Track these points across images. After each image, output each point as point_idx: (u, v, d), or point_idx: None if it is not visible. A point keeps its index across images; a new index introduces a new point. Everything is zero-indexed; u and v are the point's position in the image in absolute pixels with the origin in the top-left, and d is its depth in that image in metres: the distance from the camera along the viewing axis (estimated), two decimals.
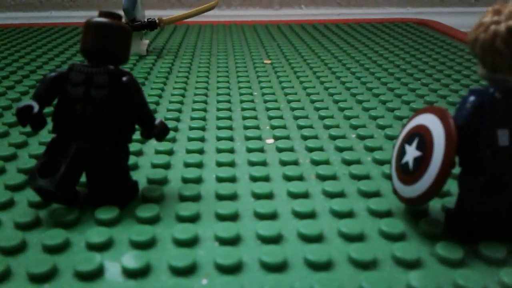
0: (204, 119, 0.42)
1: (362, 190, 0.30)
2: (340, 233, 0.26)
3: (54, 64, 0.59)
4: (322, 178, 0.32)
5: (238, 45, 0.71)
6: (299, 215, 0.28)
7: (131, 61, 0.59)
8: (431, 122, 0.26)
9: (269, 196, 0.30)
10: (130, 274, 0.23)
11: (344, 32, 0.80)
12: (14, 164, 0.34)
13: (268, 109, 0.44)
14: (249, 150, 0.36)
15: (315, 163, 0.34)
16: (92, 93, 0.27)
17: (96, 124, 0.27)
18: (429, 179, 0.25)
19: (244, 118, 0.42)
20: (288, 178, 0.32)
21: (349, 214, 0.28)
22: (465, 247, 0.25)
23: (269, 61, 0.61)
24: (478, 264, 0.24)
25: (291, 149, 0.36)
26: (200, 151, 0.36)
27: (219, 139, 0.38)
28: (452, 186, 0.30)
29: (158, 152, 0.36)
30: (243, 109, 0.44)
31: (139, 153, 0.35)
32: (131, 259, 0.24)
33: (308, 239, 0.26)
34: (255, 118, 0.42)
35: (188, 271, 0.23)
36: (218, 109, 0.44)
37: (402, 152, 0.28)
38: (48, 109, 0.29)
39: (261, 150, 0.36)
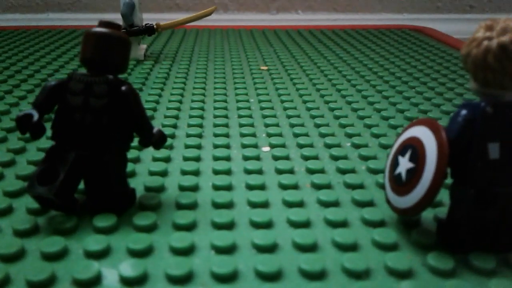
0: (201, 126, 0.43)
1: (356, 200, 0.31)
2: (334, 242, 0.27)
3: (52, 68, 0.60)
4: (317, 187, 0.33)
5: (235, 50, 0.71)
6: (294, 224, 0.28)
7: (129, 66, 0.59)
8: (424, 134, 0.26)
9: (264, 204, 0.30)
10: (127, 282, 0.24)
11: (340, 39, 0.80)
12: (12, 170, 0.34)
13: (264, 116, 0.45)
14: (246, 158, 0.36)
15: (310, 171, 0.35)
16: (91, 102, 0.28)
17: (95, 133, 0.28)
18: (422, 190, 0.25)
19: (241, 125, 0.43)
20: (284, 187, 0.32)
21: (343, 224, 0.28)
22: (456, 258, 0.25)
23: (265, 68, 0.62)
24: (468, 275, 0.25)
25: (287, 157, 0.37)
26: (197, 159, 0.36)
27: (215, 146, 0.38)
28: (444, 196, 0.31)
29: (155, 159, 0.36)
30: (239, 116, 0.45)
31: (136, 160, 0.36)
32: (129, 267, 0.24)
33: (302, 248, 0.26)
34: (252, 125, 0.43)
35: (184, 279, 0.24)
36: (215, 116, 0.45)
37: (395, 163, 0.28)
38: (47, 116, 0.29)
39: (257, 158, 0.37)
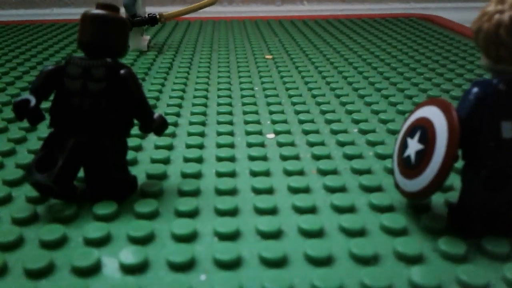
0: (204, 114, 0.42)
1: (363, 185, 0.30)
2: (341, 228, 0.26)
3: (55, 60, 0.59)
4: (323, 173, 0.32)
5: (240, 40, 0.70)
6: (300, 210, 0.27)
7: (131, 57, 0.58)
8: (434, 114, 0.25)
9: (269, 191, 0.29)
10: (128, 269, 0.23)
11: (346, 28, 0.79)
12: (12, 159, 0.34)
13: (269, 104, 0.44)
14: (250, 145, 0.36)
15: (316, 157, 0.34)
16: (89, 86, 0.27)
17: (94, 118, 0.27)
18: (432, 173, 0.24)
19: (245, 113, 0.42)
20: (289, 173, 0.32)
21: (350, 209, 0.28)
22: (468, 242, 0.24)
23: (270, 56, 0.61)
24: (481, 260, 0.24)
25: (292, 144, 0.36)
26: (200, 146, 0.35)
27: (219, 134, 0.38)
28: (455, 180, 0.30)
29: (157, 147, 0.35)
30: (243, 104, 0.44)
31: (138, 148, 0.35)
32: (129, 255, 0.24)
33: (308, 234, 0.25)
34: (256, 113, 0.42)
35: (186, 266, 0.23)
36: (219, 104, 0.44)
37: (404, 146, 0.27)
38: (46, 104, 0.29)
39: (262, 145, 0.36)
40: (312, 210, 0.28)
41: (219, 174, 0.31)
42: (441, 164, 0.24)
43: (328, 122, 0.40)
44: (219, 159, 0.33)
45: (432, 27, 0.80)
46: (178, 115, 0.42)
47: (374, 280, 0.22)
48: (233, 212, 0.27)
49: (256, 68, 0.56)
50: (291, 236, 0.25)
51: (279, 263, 0.23)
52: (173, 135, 0.37)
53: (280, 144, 0.36)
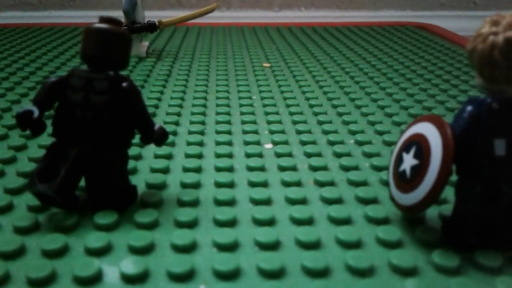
0: (203, 123, 0.42)
1: (359, 197, 0.31)
2: (337, 240, 0.26)
3: (54, 65, 0.59)
4: (320, 184, 0.32)
5: (238, 47, 0.71)
6: (297, 222, 0.28)
7: (130, 63, 0.59)
8: (429, 131, 0.26)
9: (267, 202, 0.30)
10: (128, 279, 0.23)
11: (343, 36, 0.80)
12: (13, 167, 0.34)
13: (267, 113, 0.44)
14: (248, 155, 0.36)
15: (313, 168, 0.34)
16: (92, 99, 0.28)
17: (96, 130, 0.28)
18: (426, 187, 0.25)
19: (243, 122, 0.42)
20: (287, 184, 0.32)
21: (346, 221, 0.28)
22: (461, 255, 0.25)
23: (268, 65, 0.61)
24: (474, 273, 0.24)
25: (290, 155, 0.36)
26: (199, 156, 0.36)
27: (218, 143, 0.38)
28: (449, 193, 0.30)
29: (157, 156, 0.36)
30: (242, 113, 0.44)
31: (138, 157, 0.36)
32: (130, 265, 0.24)
33: (305, 245, 0.26)
34: (254, 122, 0.42)
35: (186, 277, 0.24)
36: (217, 113, 0.44)
37: (399, 160, 0.28)
38: (48, 112, 0.29)
39: (260, 155, 0.36)
40: (309, 221, 0.28)
41: (218, 185, 0.32)
42: (435, 180, 0.25)
43: (325, 132, 0.41)
44: (218, 169, 0.34)
45: (427, 36, 0.81)
46: (177, 123, 0.42)
47: None
48: (231, 223, 0.28)
49: (254, 76, 0.56)
50: (289, 248, 0.26)
51: (277, 274, 0.24)
52: (172, 144, 0.38)
53: (278, 155, 0.36)
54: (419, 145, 0.26)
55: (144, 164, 0.35)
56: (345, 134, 0.41)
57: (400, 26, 0.89)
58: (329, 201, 0.30)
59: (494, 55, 0.24)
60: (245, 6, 1.11)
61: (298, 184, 0.32)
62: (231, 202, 0.30)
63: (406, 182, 0.27)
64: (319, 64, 0.62)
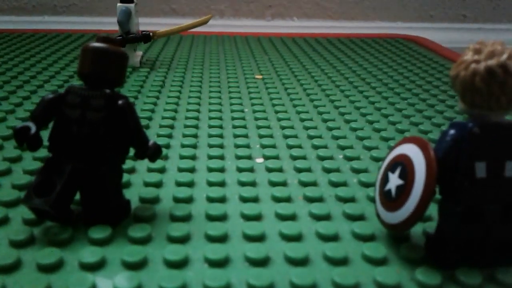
0: (195, 136, 0.43)
1: (347, 213, 0.32)
2: (325, 256, 0.27)
3: (48, 74, 0.60)
4: (309, 200, 0.33)
5: (230, 58, 0.72)
6: (286, 238, 0.29)
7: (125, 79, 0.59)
8: (413, 152, 0.27)
9: (257, 217, 0.31)
10: None
11: (334, 47, 0.81)
12: (8, 179, 0.35)
13: (258, 127, 0.45)
14: (239, 170, 0.37)
15: (303, 184, 0.35)
16: (88, 116, 0.28)
17: (92, 146, 0.28)
18: (411, 207, 0.26)
19: (235, 136, 0.43)
20: (277, 199, 0.33)
21: (334, 238, 0.29)
22: (444, 273, 0.26)
23: (260, 76, 0.63)
24: None
25: (280, 170, 0.37)
26: (191, 170, 0.37)
27: (210, 157, 0.39)
28: (433, 210, 0.31)
29: (150, 170, 0.36)
30: (234, 127, 0.45)
31: (131, 171, 0.36)
32: (123, 280, 0.25)
33: (294, 262, 0.27)
34: (246, 136, 0.43)
35: None
36: (210, 126, 0.45)
37: (385, 179, 0.29)
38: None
39: (251, 169, 0.37)
40: (298, 237, 0.29)
41: (210, 199, 0.33)
42: (419, 200, 0.26)
43: (315, 147, 0.42)
44: (210, 183, 0.35)
45: (417, 49, 0.82)
46: (170, 136, 0.43)
47: None
48: (222, 238, 0.29)
49: (246, 88, 0.57)
50: (278, 264, 0.27)
51: None
52: (165, 157, 0.39)
53: (269, 170, 0.37)
54: (404, 166, 0.27)
55: (138, 178, 0.35)
56: (334, 149, 0.42)
57: (390, 38, 0.90)
58: (317, 217, 0.31)
59: (475, 82, 0.25)
60: (238, 15, 1.12)
61: (288, 199, 0.33)
62: (222, 217, 0.31)
63: (392, 201, 0.28)
64: (310, 77, 0.63)
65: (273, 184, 0.35)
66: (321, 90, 0.58)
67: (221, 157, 0.39)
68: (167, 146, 0.41)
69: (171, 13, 1.12)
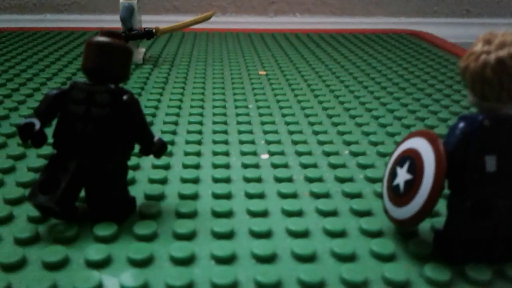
0: (200, 132, 0.43)
1: (354, 209, 0.31)
2: (332, 253, 0.27)
3: (51, 72, 0.60)
4: (316, 195, 0.33)
5: (234, 54, 0.71)
6: (293, 234, 0.29)
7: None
8: (422, 146, 0.27)
9: (264, 213, 0.31)
10: None
11: (338, 43, 0.81)
12: (12, 176, 0.35)
13: (263, 123, 0.45)
14: (245, 166, 0.37)
15: (309, 180, 0.35)
16: (93, 112, 0.28)
17: (97, 142, 0.28)
18: (419, 202, 0.26)
19: (240, 132, 0.43)
20: (283, 195, 0.33)
21: (341, 234, 0.29)
22: (453, 269, 0.26)
23: (264, 72, 0.62)
24: (464, 286, 0.25)
25: (286, 165, 0.37)
26: (197, 166, 0.37)
27: (215, 153, 0.39)
28: (441, 206, 0.31)
29: (155, 166, 0.36)
30: (238, 123, 0.45)
31: (136, 167, 0.36)
32: (130, 277, 0.25)
33: (301, 258, 0.26)
34: (251, 132, 0.43)
35: None
36: (214, 122, 0.45)
37: (393, 174, 0.29)
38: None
39: (256, 166, 0.37)
40: (305, 234, 0.29)
41: (216, 196, 0.33)
42: (428, 195, 0.25)
43: (321, 143, 0.41)
44: (215, 180, 0.35)
45: (421, 43, 0.82)
46: (174, 133, 0.43)
47: None
48: (229, 235, 0.28)
49: (250, 84, 0.57)
50: (285, 260, 0.27)
51: (273, 287, 0.24)
52: (170, 154, 0.38)
53: (274, 166, 0.37)
54: (413, 160, 0.27)
55: (143, 175, 0.35)
56: (340, 145, 0.41)
57: (394, 33, 0.90)
58: (324, 213, 0.31)
59: (485, 73, 0.24)
60: (240, 12, 1.12)
61: (294, 195, 0.33)
62: (228, 214, 0.30)
63: (400, 196, 0.27)
64: (314, 73, 0.63)
65: (279, 180, 0.35)
66: (325, 86, 0.57)
67: (226, 153, 0.39)
68: (172, 143, 0.40)
69: (173, 10, 1.12)
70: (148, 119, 0.44)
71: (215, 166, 0.37)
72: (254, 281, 0.25)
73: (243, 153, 0.39)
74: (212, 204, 0.31)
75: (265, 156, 0.39)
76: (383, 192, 0.30)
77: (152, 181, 0.34)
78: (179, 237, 0.28)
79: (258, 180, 0.35)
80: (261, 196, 0.33)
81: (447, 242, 0.27)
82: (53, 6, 1.10)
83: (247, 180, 0.35)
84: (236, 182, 0.35)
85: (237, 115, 0.47)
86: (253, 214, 0.31)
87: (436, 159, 0.25)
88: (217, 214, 0.30)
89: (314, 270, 0.25)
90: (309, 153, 0.39)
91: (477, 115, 0.25)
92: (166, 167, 0.36)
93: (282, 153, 0.39)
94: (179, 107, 0.49)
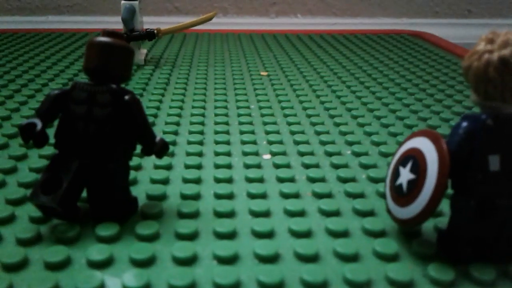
0: (202, 132, 0.43)
1: (357, 209, 0.31)
2: (335, 253, 0.27)
3: (52, 73, 0.60)
4: (318, 196, 0.33)
5: (235, 55, 0.71)
6: (296, 234, 0.29)
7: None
8: (425, 145, 0.27)
9: (266, 214, 0.30)
10: None
11: (339, 44, 0.81)
12: (14, 177, 0.34)
13: (265, 123, 0.45)
14: (247, 166, 0.37)
15: (311, 180, 0.35)
16: (94, 112, 0.28)
17: (98, 142, 0.28)
18: (423, 202, 0.26)
19: (242, 132, 0.43)
20: (285, 196, 0.33)
21: (344, 234, 0.29)
22: (457, 269, 0.26)
23: (265, 73, 0.62)
24: (468, 286, 0.25)
25: (288, 166, 0.37)
26: (198, 167, 0.36)
27: (217, 154, 0.39)
28: (445, 206, 0.31)
29: (157, 167, 0.36)
30: (240, 123, 0.45)
31: (138, 168, 0.36)
32: (132, 277, 0.24)
33: (304, 258, 0.26)
34: (252, 132, 0.43)
35: None
36: (216, 123, 0.45)
37: (396, 174, 0.28)
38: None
39: (258, 166, 0.37)
40: (307, 234, 0.29)
41: (218, 196, 0.32)
42: (431, 194, 0.25)
43: (323, 143, 0.41)
44: (217, 180, 0.34)
45: (423, 44, 0.82)
46: (176, 133, 0.43)
47: None
48: (231, 235, 0.28)
49: (252, 85, 0.57)
50: (288, 260, 0.26)
51: (276, 287, 0.24)
52: (172, 154, 0.38)
53: (276, 166, 0.37)
54: (416, 159, 0.27)
55: (144, 175, 0.35)
56: (342, 145, 0.41)
57: (395, 34, 0.90)
58: (327, 213, 0.31)
59: (488, 72, 0.24)
60: (241, 13, 1.12)
61: (296, 196, 0.33)
62: (230, 214, 0.30)
63: (403, 196, 0.27)
64: (315, 73, 0.63)
65: (281, 180, 0.35)
66: (327, 86, 0.57)
67: (228, 154, 0.39)
68: (174, 143, 0.40)
69: (174, 11, 1.12)
70: (150, 119, 0.44)
71: (217, 166, 0.36)
72: (257, 281, 0.25)
73: (245, 153, 0.39)
74: (214, 204, 0.31)
75: (267, 156, 0.39)
76: (386, 192, 0.29)
77: (154, 181, 0.34)
78: (181, 237, 0.28)
79: (260, 180, 0.35)
80: (263, 196, 0.33)
81: (451, 241, 0.27)
82: (55, 7, 1.10)
83: (249, 180, 0.35)
84: (238, 182, 0.34)
85: (239, 115, 0.47)
86: (256, 214, 0.30)
87: (440, 159, 0.25)
88: (219, 214, 0.30)
89: (317, 270, 0.25)
90: (311, 153, 0.39)
91: (480, 114, 0.25)
92: (168, 167, 0.36)
93: (284, 153, 0.39)
94: (181, 108, 0.49)
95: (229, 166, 0.37)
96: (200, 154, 0.39)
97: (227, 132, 0.43)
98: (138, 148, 0.30)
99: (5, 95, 0.50)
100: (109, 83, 0.28)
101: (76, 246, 0.27)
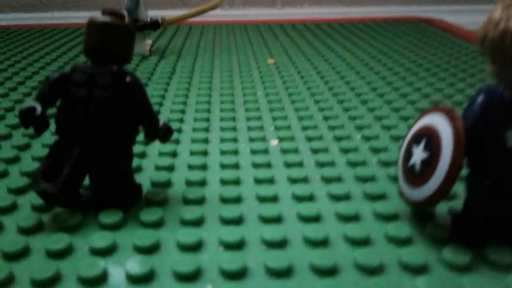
0: (207, 120, 0.42)
1: (367, 193, 0.30)
2: (345, 237, 0.26)
3: (57, 65, 0.59)
4: (327, 180, 0.32)
5: (241, 44, 0.70)
6: (304, 219, 0.28)
7: (134, 62, 0.59)
8: (439, 122, 0.25)
9: (273, 199, 0.30)
10: (134, 280, 0.23)
11: (348, 31, 0.79)
12: (17, 166, 0.34)
13: (272, 109, 0.44)
14: (253, 152, 0.36)
15: (320, 164, 0.34)
16: (94, 94, 0.27)
17: (99, 126, 0.27)
18: (437, 181, 0.24)
19: (248, 119, 0.42)
20: (293, 180, 0.32)
21: (354, 218, 0.28)
22: (473, 252, 0.24)
23: (272, 61, 0.61)
24: (485, 269, 0.24)
25: (296, 151, 0.36)
26: (204, 153, 0.36)
27: (222, 140, 0.38)
28: (459, 188, 0.30)
29: (161, 154, 0.35)
30: (246, 110, 0.44)
31: (142, 155, 0.35)
32: (135, 265, 0.24)
33: (313, 243, 0.25)
34: (259, 118, 0.42)
35: (192, 276, 0.23)
36: (222, 110, 0.44)
37: (409, 154, 0.27)
38: (51, 110, 0.29)
39: (265, 151, 0.36)
40: (316, 218, 0.28)
41: (224, 182, 0.31)
42: (446, 173, 0.24)
43: (331, 128, 0.40)
44: (223, 166, 0.34)
45: (433, 30, 0.80)
46: (181, 121, 0.42)
47: None
48: (238, 221, 0.27)
49: (259, 73, 0.56)
50: (296, 246, 0.25)
51: (284, 273, 0.23)
52: (176, 141, 0.38)
53: (284, 151, 0.36)
54: (429, 137, 0.26)
55: (149, 162, 0.34)
56: (351, 129, 0.40)
57: (405, 21, 0.88)
58: (336, 198, 0.30)
59: (505, 41, 0.23)
60: (248, 4, 1.11)
61: (304, 180, 0.32)
62: (237, 200, 0.29)
63: (416, 176, 0.26)
64: (323, 60, 0.62)
65: (288, 165, 0.34)
66: (335, 72, 0.56)
67: (234, 140, 0.38)
68: (179, 131, 0.39)
69: (179, 4, 1.11)
70: (155, 108, 0.44)
71: (223, 153, 0.36)
72: (264, 267, 0.24)
73: (252, 139, 0.38)
74: (220, 190, 0.30)
75: (274, 142, 0.38)
76: (398, 174, 0.28)
77: (158, 168, 0.33)
78: (187, 223, 0.27)
79: (268, 165, 0.34)
80: (270, 181, 0.32)
81: (466, 223, 0.25)
82: (60, 3, 1.10)
83: (256, 166, 0.34)
84: (244, 168, 0.33)
85: (245, 102, 0.46)
86: (263, 199, 0.29)
87: (455, 135, 0.24)
88: (225, 200, 0.29)
89: (327, 255, 0.24)
90: (320, 138, 0.38)
91: (497, 87, 0.24)
92: (173, 154, 0.35)
93: (292, 138, 0.38)
94: (186, 96, 0.48)
95: (235, 152, 0.36)
96: (205, 141, 0.38)
97: (233, 119, 0.42)
98: (142, 135, 0.29)
99: (9, 87, 0.50)
100: (110, 64, 0.27)
101: (79, 234, 0.26)
